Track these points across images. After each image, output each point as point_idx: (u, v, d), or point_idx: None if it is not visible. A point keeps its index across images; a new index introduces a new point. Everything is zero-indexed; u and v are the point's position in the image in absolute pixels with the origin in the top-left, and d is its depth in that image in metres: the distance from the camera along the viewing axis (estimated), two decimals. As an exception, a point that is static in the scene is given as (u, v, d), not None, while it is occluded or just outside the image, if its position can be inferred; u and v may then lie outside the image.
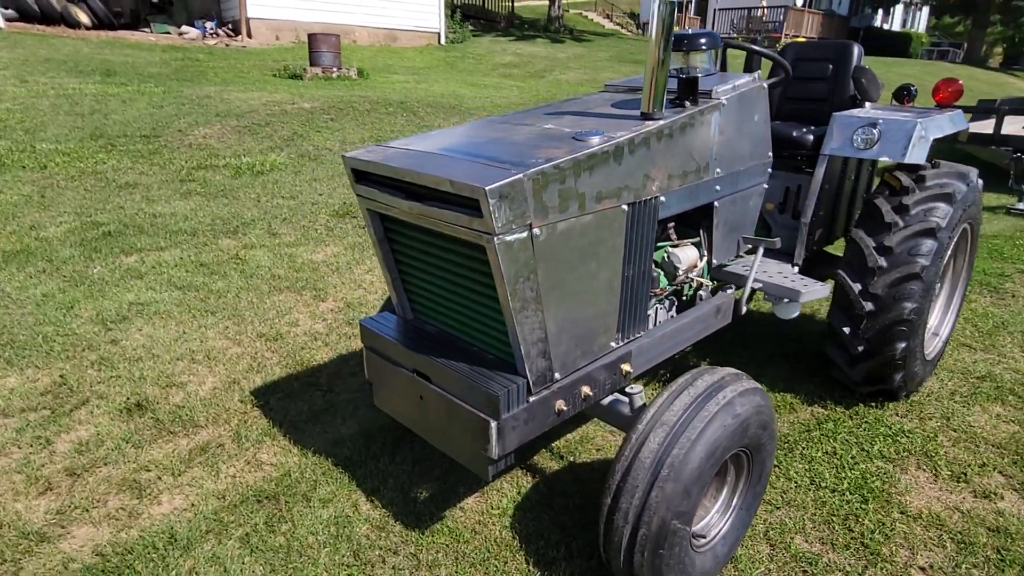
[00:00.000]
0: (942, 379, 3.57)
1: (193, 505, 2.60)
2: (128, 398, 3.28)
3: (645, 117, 2.28)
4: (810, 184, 3.15)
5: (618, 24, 31.87)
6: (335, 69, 13.31)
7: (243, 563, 2.31)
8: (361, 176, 2.18)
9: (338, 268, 4.96)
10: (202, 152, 7.85)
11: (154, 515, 2.55)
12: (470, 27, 22.61)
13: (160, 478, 2.76)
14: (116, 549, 2.36)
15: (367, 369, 2.49)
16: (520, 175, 1.76)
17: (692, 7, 31.54)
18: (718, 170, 2.58)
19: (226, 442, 3.01)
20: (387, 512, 2.58)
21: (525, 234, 1.83)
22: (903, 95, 3.57)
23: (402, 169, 1.95)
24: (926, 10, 39.57)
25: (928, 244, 2.88)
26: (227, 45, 15.76)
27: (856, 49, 3.48)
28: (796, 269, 3.19)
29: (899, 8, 37.10)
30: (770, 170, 2.98)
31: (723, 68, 3.45)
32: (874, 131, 2.92)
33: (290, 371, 3.60)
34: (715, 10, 30.24)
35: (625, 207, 2.15)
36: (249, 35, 16.38)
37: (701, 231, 2.75)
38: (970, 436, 3.07)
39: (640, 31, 30.46)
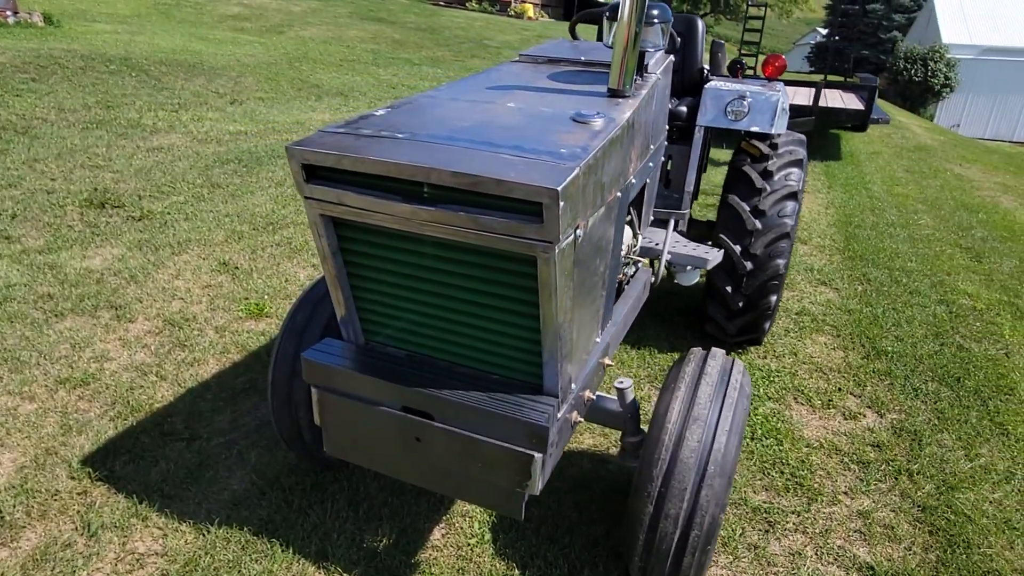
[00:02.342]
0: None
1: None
2: None
3: (614, 94, 2.12)
4: (689, 153, 3.31)
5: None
6: (9, 13, 10.37)
7: None
8: (315, 172, 1.67)
9: (133, 277, 3.91)
10: None
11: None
12: (177, -31, 19.37)
13: (-6, 619, 1.91)
14: None
15: (319, 413, 1.99)
16: (576, 169, 1.49)
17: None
18: (652, 146, 2.55)
19: (74, 540, 2.20)
20: (350, 575, 2.14)
21: (571, 237, 1.58)
22: (736, 69, 3.92)
23: (408, 165, 1.52)
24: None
25: (791, 205, 3.24)
26: None
27: (700, 24, 3.71)
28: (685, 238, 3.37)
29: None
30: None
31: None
32: (744, 103, 3.16)
33: (126, 422, 2.75)
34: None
35: (619, 193, 2.00)
36: None
37: (631, 209, 2.72)
38: (817, 366, 3.61)
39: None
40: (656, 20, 2.25)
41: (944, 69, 20.98)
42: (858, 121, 8.99)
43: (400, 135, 1.68)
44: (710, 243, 3.41)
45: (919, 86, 21.42)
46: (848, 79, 13.29)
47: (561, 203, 1.42)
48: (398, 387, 1.83)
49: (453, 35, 17.98)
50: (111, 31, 11.44)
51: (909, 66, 21.50)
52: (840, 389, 3.39)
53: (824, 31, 40.36)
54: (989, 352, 3.88)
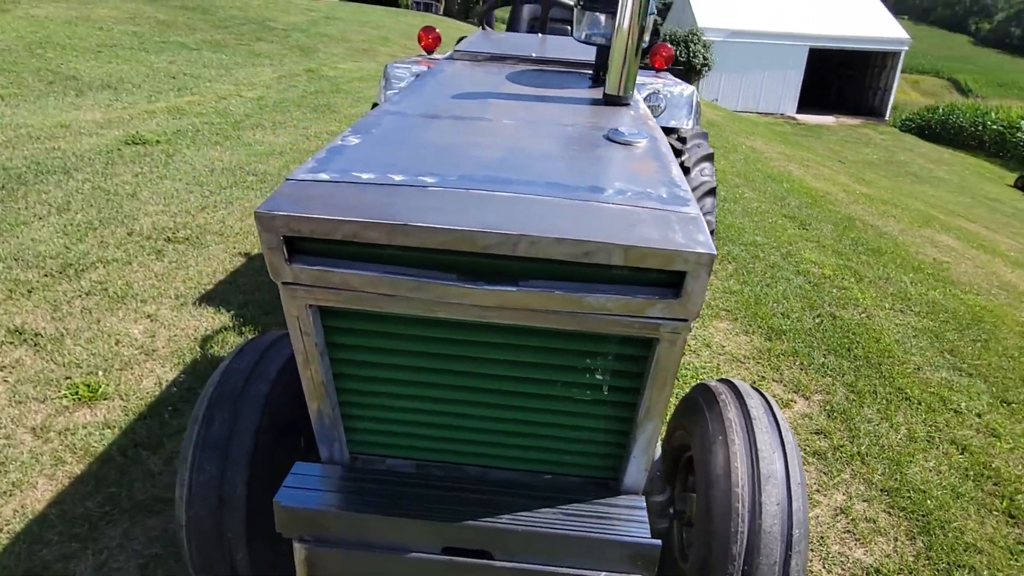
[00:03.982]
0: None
1: None
2: None
3: (611, 101, 1.76)
4: None
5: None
6: None
7: None
8: (297, 246, 1.09)
9: None
10: None
11: None
12: None
13: None
14: None
15: (307, 572, 1.39)
16: (700, 218, 1.12)
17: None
18: None
19: None
20: None
21: None
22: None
23: (486, 233, 1.02)
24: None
25: (711, 201, 3.16)
26: None
27: None
28: None
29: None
30: None
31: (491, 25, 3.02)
32: (661, 99, 2.98)
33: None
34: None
35: None
36: None
37: None
38: (733, 357, 3.63)
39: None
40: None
41: (702, 50, 23.58)
42: None
43: (425, 180, 1.16)
44: None
45: (684, 66, 23.85)
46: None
47: (710, 270, 1.04)
48: (436, 522, 1.32)
49: (229, 15, 16.02)
50: None
51: (674, 47, 23.85)
52: (764, 378, 3.44)
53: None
54: (855, 318, 4.24)
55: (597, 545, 1.32)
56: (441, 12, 29.54)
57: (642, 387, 1.24)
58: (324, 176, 1.15)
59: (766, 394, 1.89)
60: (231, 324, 3.43)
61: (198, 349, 3.19)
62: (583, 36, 1.95)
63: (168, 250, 4.18)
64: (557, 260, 1.06)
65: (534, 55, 2.19)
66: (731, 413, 1.79)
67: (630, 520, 1.36)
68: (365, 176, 1.16)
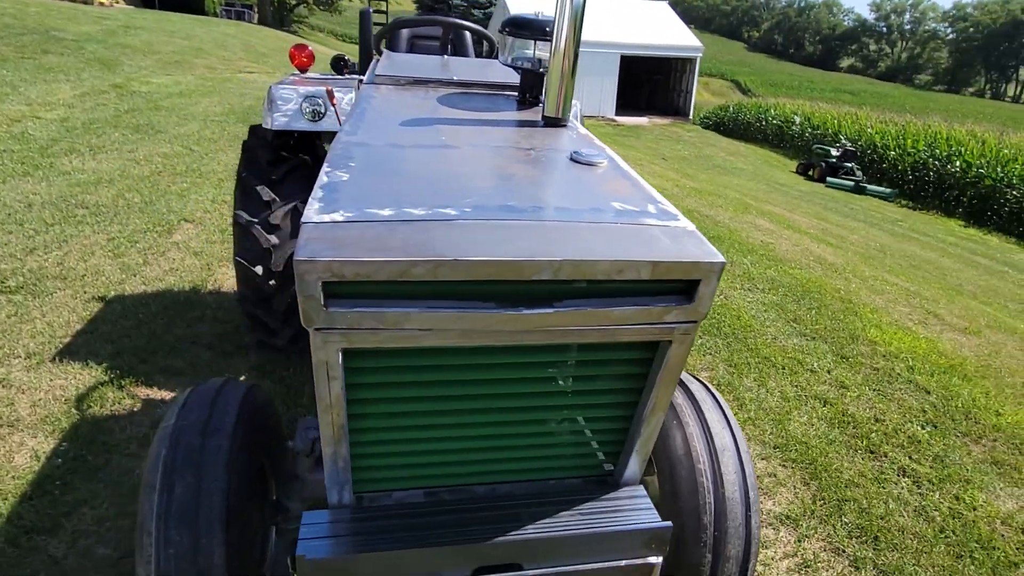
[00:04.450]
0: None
1: None
2: None
3: (550, 123, 1.87)
4: None
5: None
6: None
7: None
8: (337, 288, 1.07)
9: None
10: None
11: None
12: None
13: None
14: None
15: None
16: (695, 228, 1.27)
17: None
18: None
19: None
20: None
21: None
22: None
23: (528, 261, 1.07)
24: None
25: None
26: None
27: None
28: None
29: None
30: None
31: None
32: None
33: None
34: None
35: None
36: None
37: None
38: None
39: None
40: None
41: (527, 56, 24.61)
42: None
43: (447, 213, 1.19)
44: None
45: (510, 73, 24.75)
46: None
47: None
48: (467, 546, 1.34)
49: (2, 24, 13.90)
50: None
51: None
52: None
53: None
54: (716, 300, 4.77)
55: (617, 537, 1.42)
56: (255, 20, 27.91)
57: (649, 386, 1.36)
58: (340, 217, 1.13)
59: (703, 379, 2.11)
60: (106, 378, 3.06)
61: (73, 412, 2.82)
62: (508, 60, 2.04)
63: (1, 302, 3.61)
64: (588, 280, 1.14)
65: (455, 78, 2.23)
66: (679, 400, 1.99)
67: (639, 509, 1.48)
68: (384, 213, 1.16)
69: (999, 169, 15.56)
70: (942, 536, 2.58)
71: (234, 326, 3.68)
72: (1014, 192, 14.20)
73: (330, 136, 2.91)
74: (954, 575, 2.39)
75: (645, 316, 1.20)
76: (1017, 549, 2.56)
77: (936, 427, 3.36)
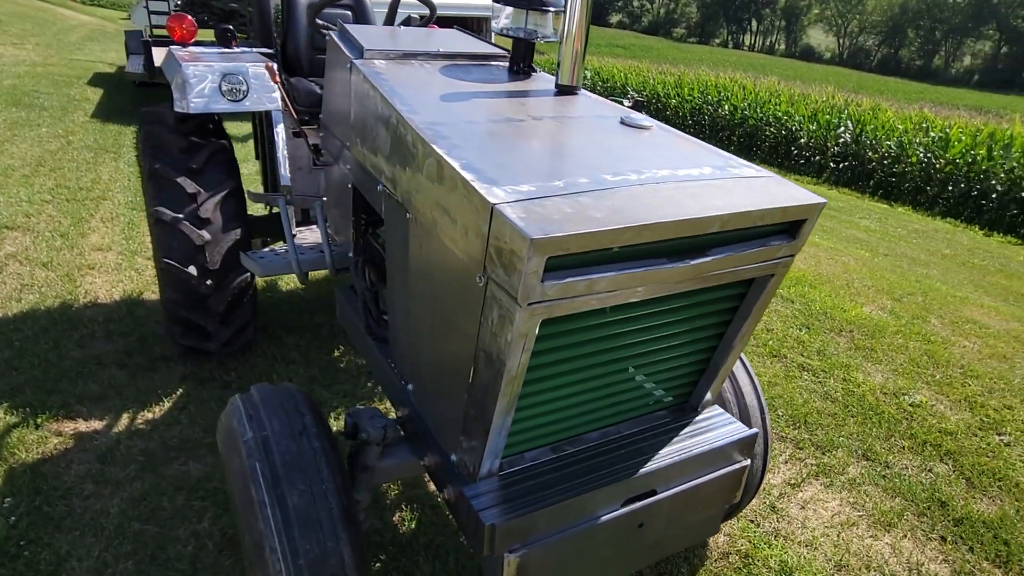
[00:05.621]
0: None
1: None
2: None
3: (564, 91, 1.97)
4: None
5: None
6: None
7: None
8: (552, 262, 1.13)
9: None
10: None
11: None
12: None
13: None
14: None
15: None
16: (773, 175, 1.49)
17: None
18: None
19: None
20: None
21: None
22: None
23: (702, 218, 1.22)
24: None
25: None
26: None
27: None
28: None
29: None
30: None
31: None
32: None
33: None
34: None
35: None
36: None
37: None
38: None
39: None
40: (551, 8, 2.13)
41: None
42: None
43: (608, 181, 1.28)
44: None
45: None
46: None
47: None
48: (618, 483, 1.49)
49: None
50: None
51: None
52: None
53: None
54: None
55: (723, 451, 1.64)
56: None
57: (743, 316, 1.58)
58: (524, 195, 1.17)
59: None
60: (17, 419, 2.60)
61: (-4, 463, 2.38)
62: (499, 28, 2.07)
63: None
64: (732, 229, 1.31)
65: (440, 50, 2.19)
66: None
67: (728, 424, 1.72)
68: (559, 185, 1.22)
69: (759, 110, 18.21)
70: (847, 411, 3.21)
71: (137, 338, 3.27)
72: (771, 129, 16.75)
73: (238, 117, 2.60)
74: (866, 436, 3.02)
75: (767, 254, 1.41)
76: (896, 409, 3.27)
77: (810, 328, 4.08)
